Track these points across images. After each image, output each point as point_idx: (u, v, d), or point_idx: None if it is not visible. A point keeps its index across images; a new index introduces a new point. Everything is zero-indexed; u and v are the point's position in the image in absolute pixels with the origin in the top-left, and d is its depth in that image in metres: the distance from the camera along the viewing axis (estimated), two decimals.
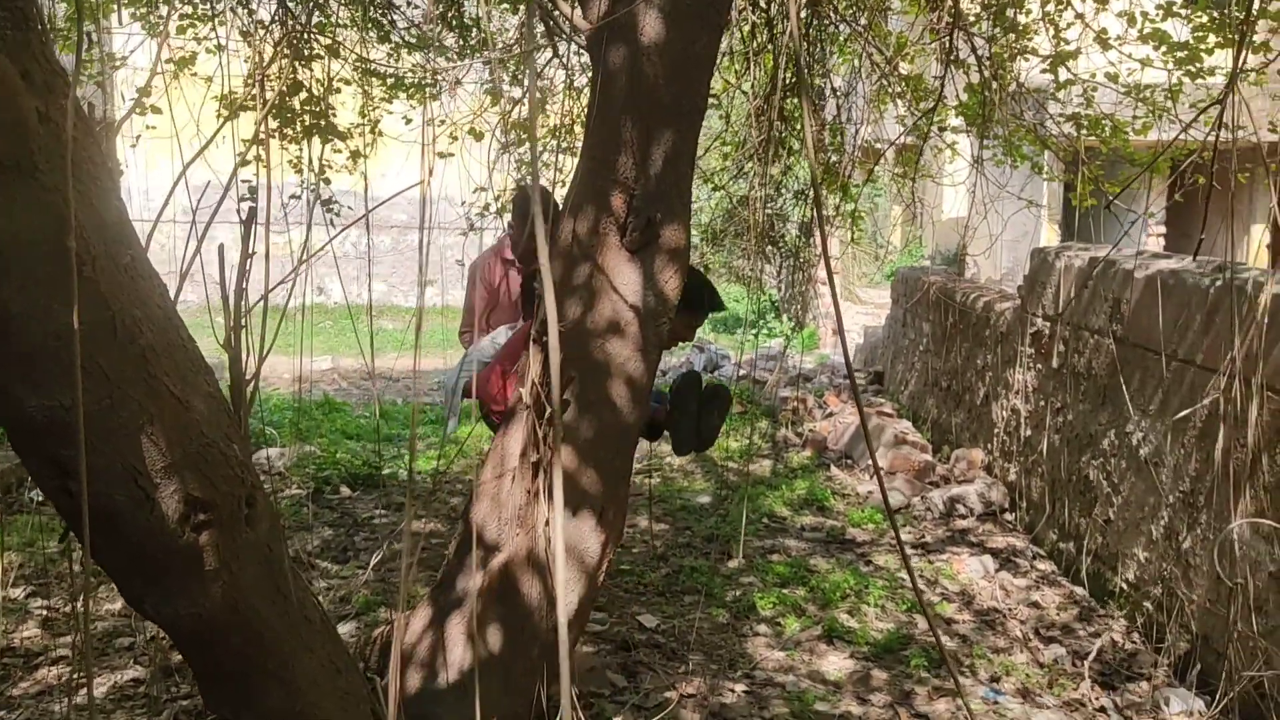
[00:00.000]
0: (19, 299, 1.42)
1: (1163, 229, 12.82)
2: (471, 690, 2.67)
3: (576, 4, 2.81)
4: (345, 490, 6.23)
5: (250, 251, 1.88)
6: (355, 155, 6.91)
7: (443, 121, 7.00)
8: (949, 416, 7.28)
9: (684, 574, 4.80)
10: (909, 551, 5.35)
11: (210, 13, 6.26)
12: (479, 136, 7.08)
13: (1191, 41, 6.04)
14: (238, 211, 1.92)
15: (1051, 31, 6.46)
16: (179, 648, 2.01)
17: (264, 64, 5.36)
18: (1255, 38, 5.84)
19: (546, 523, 2.59)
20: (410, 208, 14.77)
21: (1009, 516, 5.89)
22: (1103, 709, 3.65)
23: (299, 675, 1.93)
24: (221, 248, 1.89)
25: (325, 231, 6.45)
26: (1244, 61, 3.11)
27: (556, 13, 2.77)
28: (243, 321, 1.89)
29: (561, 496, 1.79)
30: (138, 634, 4.05)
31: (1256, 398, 3.57)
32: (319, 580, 4.59)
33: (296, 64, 6.19)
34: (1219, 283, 4.01)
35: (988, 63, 6.59)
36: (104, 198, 1.54)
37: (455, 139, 7.11)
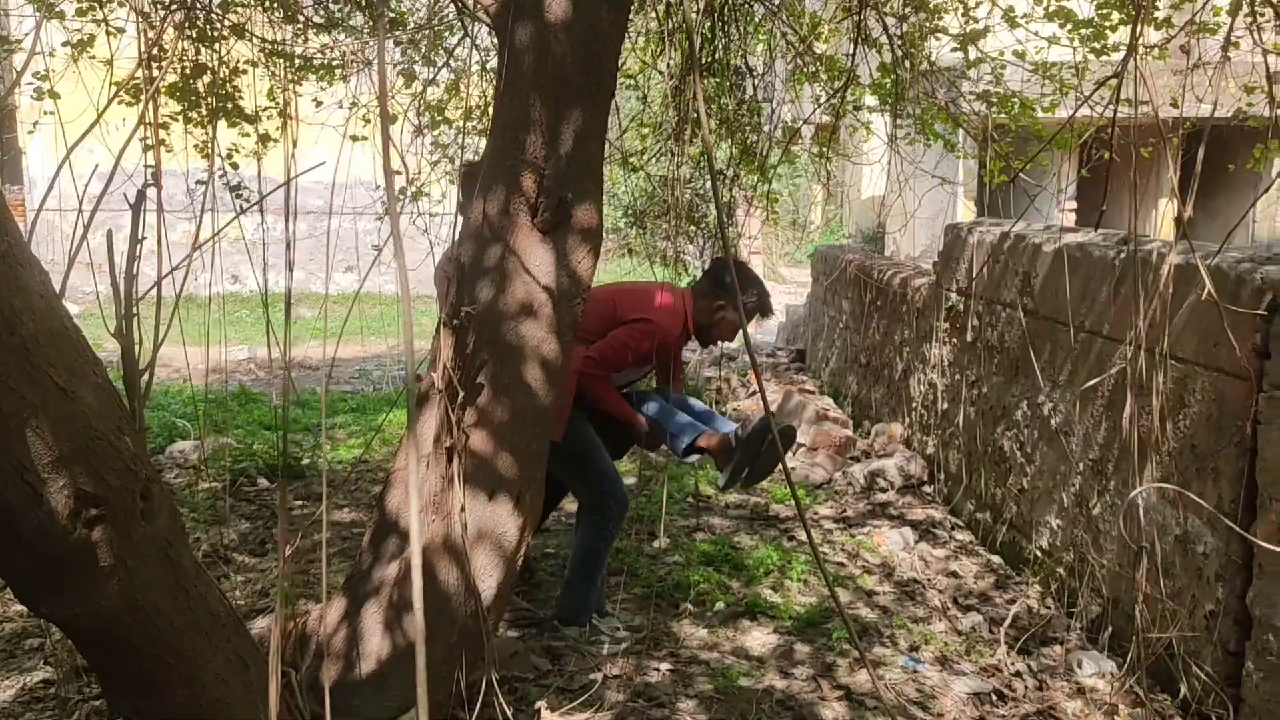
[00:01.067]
0: None
1: (1074, 204, 13.11)
2: (389, 680, 2.64)
3: None
4: (263, 482, 6.10)
5: (140, 237, 1.81)
6: (264, 139, 6.75)
7: (354, 104, 6.86)
8: (869, 392, 7.37)
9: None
10: (831, 525, 5.41)
11: None
12: (392, 118, 6.96)
13: (1096, 19, 6.17)
14: (125, 197, 1.84)
15: (961, 10, 6.55)
16: (79, 649, 1.95)
17: (161, 45, 5.18)
18: (1157, 13, 5.99)
19: (462, 508, 2.56)
20: (326, 193, 14.50)
21: (928, 489, 5.99)
22: (1018, 673, 3.74)
23: (204, 672, 1.88)
24: (110, 234, 1.82)
25: (239, 219, 6.29)
26: (1142, 35, 3.17)
27: None
28: (135, 310, 1.82)
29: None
30: (47, 635, 3.93)
31: (1160, 367, 3.66)
32: (236, 574, 4.50)
33: (200, 45, 6.02)
34: (1123, 255, 4.10)
35: (899, 42, 6.65)
36: None
37: (368, 122, 6.99)
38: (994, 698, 3.53)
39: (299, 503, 5.72)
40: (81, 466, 1.55)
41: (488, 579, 2.65)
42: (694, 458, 5.19)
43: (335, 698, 2.62)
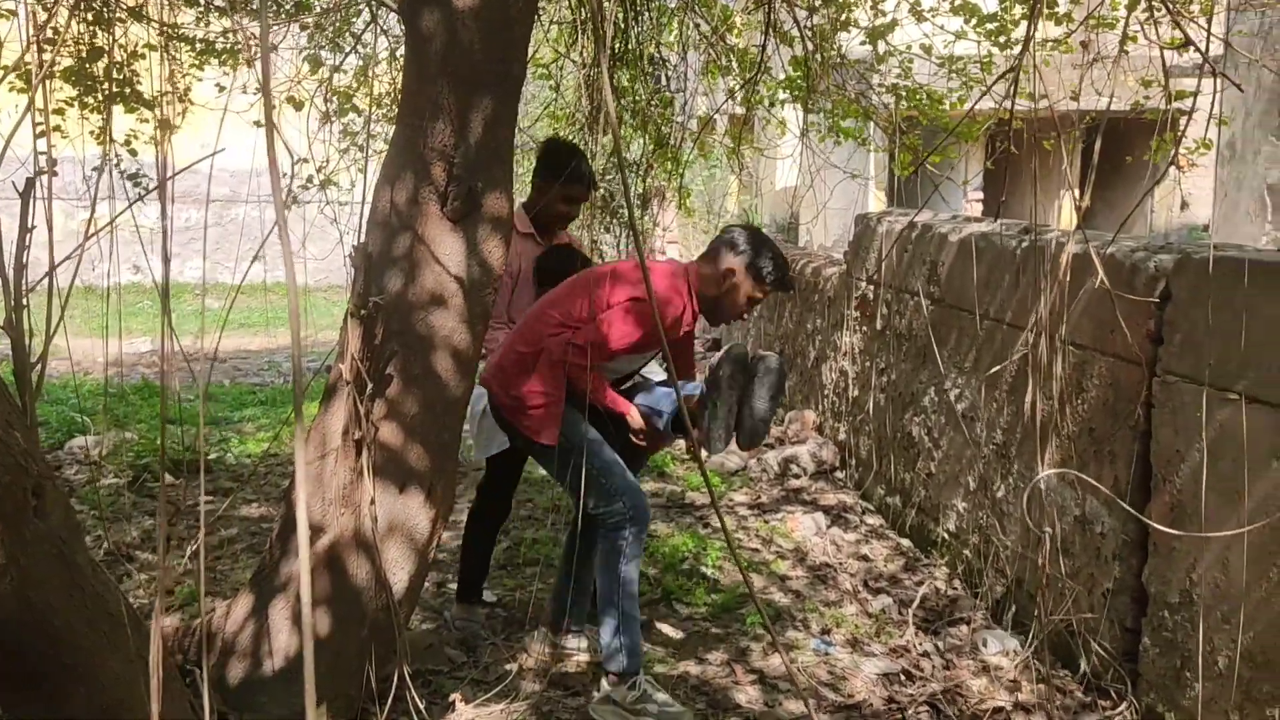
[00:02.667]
0: None
1: (980, 195, 13.42)
2: (297, 676, 2.59)
3: None
4: (168, 478, 5.95)
5: (30, 226, 1.74)
6: (164, 125, 6.56)
7: (258, 89, 6.70)
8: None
9: (525, 546, 4.78)
10: (746, 512, 5.46)
11: None
12: (298, 106, 6.83)
13: (1000, 14, 6.31)
14: (14, 185, 1.78)
15: (870, 4, 6.63)
16: None
17: (55, 28, 4.98)
18: (1057, 9, 6.15)
19: (372, 501, 2.52)
20: (232, 180, 14.18)
21: (840, 474, 6.09)
22: (925, 653, 3.82)
23: (103, 673, 1.83)
24: None
25: (134, 208, 6.07)
26: (1037, 29, 3.25)
27: None
28: (26, 301, 1.75)
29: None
30: None
31: (1060, 352, 3.77)
32: (139, 572, 4.38)
33: (96, 29, 5.83)
34: (1025, 244, 4.21)
35: (810, 35, 6.71)
36: None
37: (274, 108, 6.84)
38: (902, 677, 3.61)
39: (207, 498, 5.59)
40: None
41: (399, 572, 2.62)
42: (680, 442, 5.05)
43: (242, 695, 2.58)
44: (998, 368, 4.16)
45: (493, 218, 2.66)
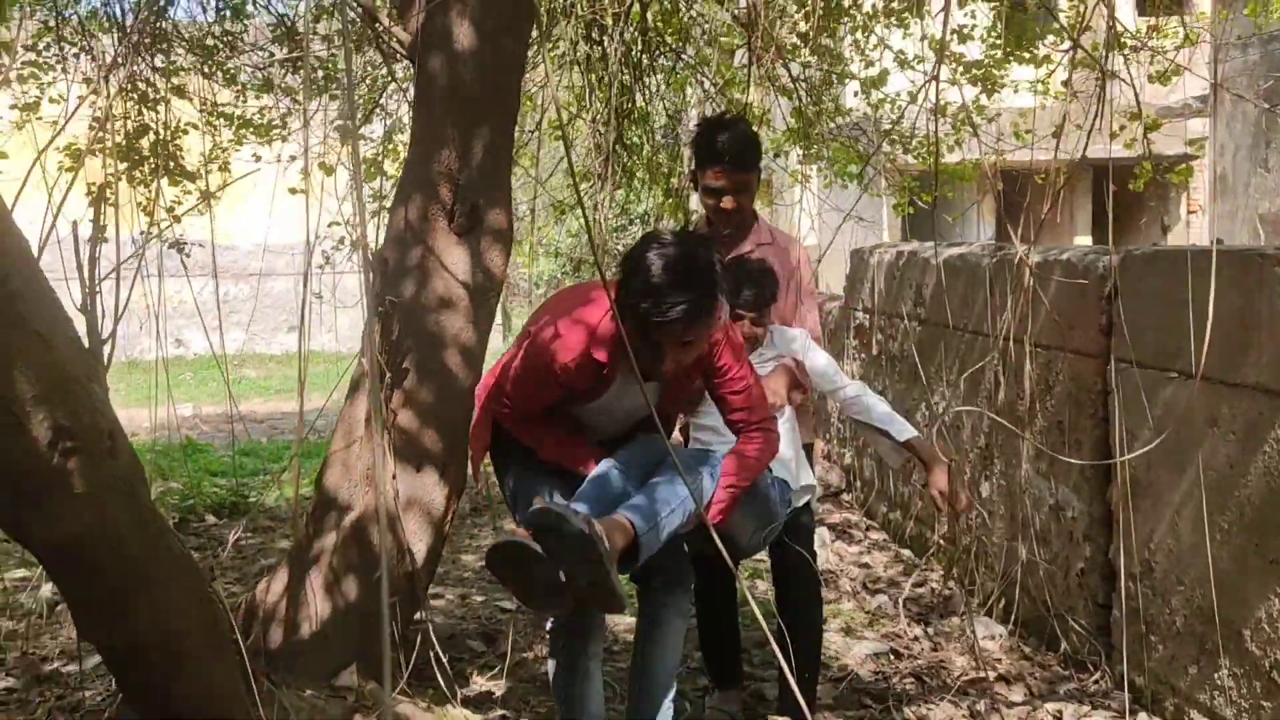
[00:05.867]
0: None
1: (993, 241, 13.75)
2: (330, 640, 2.93)
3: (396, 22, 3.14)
4: (210, 518, 6.32)
5: (103, 237, 2.11)
6: (205, 196, 7.05)
7: (292, 158, 7.21)
8: None
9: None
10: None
11: (57, 57, 6.35)
12: (329, 171, 7.31)
13: (986, 61, 6.72)
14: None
15: (860, 57, 7.06)
16: (53, 573, 2.22)
17: (107, 109, 5.38)
18: (1038, 52, 6.55)
19: (394, 477, 2.87)
20: (269, 257, 14.77)
21: (846, 497, 6.36)
22: (916, 638, 4.08)
23: (166, 599, 2.17)
24: (75, 224, 2.15)
25: (178, 281, 6.57)
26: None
27: (380, 28, 3.09)
28: (98, 289, 2.14)
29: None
30: (5, 652, 4.14)
31: (1028, 353, 4.08)
32: None
33: (142, 107, 6.33)
34: (995, 260, 4.54)
35: (805, 87, 7.13)
36: None
37: (307, 174, 7.32)
38: (891, 656, 3.87)
39: (248, 534, 5.95)
40: (58, 403, 1.85)
41: (419, 542, 2.95)
42: None
43: (280, 660, 2.90)
44: (971, 370, 4.46)
45: (494, 231, 3.03)
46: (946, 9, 3.59)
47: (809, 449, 3.45)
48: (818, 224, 7.30)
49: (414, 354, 2.95)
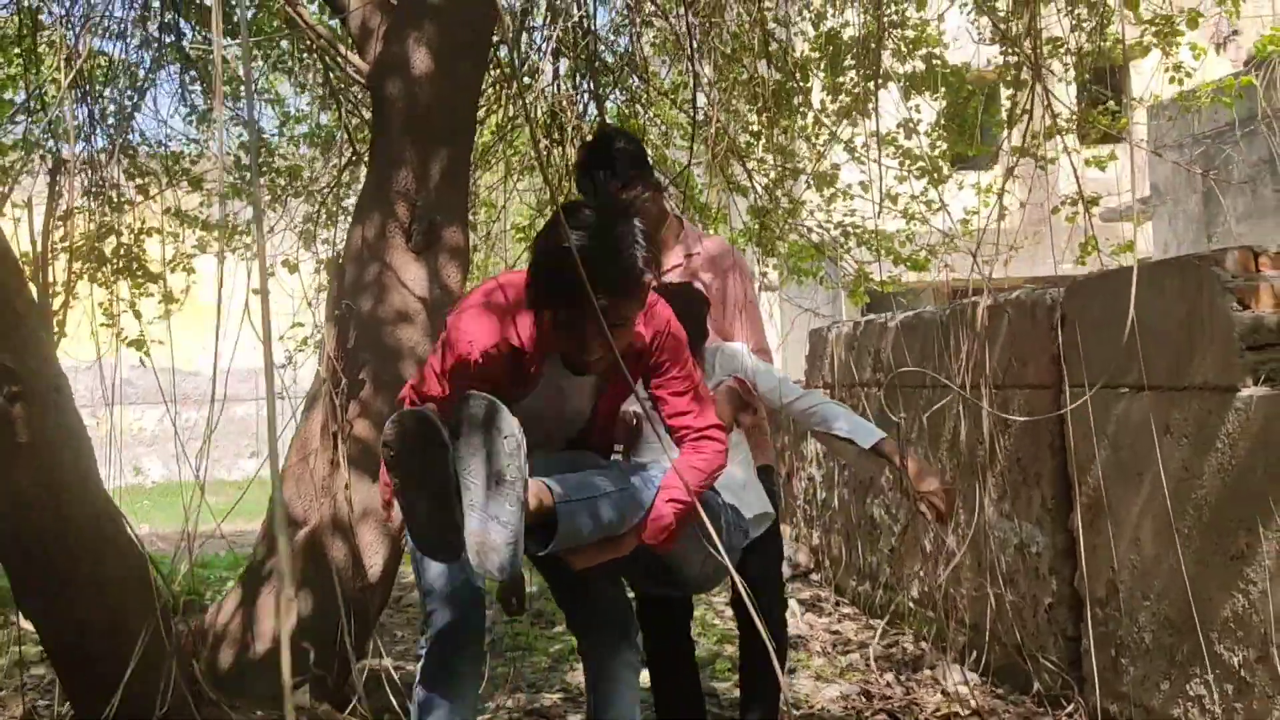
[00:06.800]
0: None
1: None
2: (280, 658, 2.83)
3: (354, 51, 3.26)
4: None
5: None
6: (168, 299, 7.10)
7: (253, 256, 7.28)
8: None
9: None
10: (722, 604, 5.66)
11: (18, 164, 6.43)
12: (293, 268, 7.38)
13: (929, 153, 6.98)
14: None
15: (812, 153, 7.32)
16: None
17: (68, 210, 5.23)
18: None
19: (347, 486, 2.84)
20: (233, 381, 14.71)
21: (815, 576, 6.29)
22: (888, 684, 3.99)
23: (108, 571, 2.12)
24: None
25: (136, 409, 6.49)
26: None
27: (339, 56, 3.19)
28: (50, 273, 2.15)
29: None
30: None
31: (986, 391, 4.13)
32: None
33: (106, 208, 6.40)
34: (948, 313, 4.63)
35: (760, 186, 7.34)
36: None
37: (273, 274, 7.39)
38: (863, 697, 3.78)
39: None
40: (4, 343, 1.85)
41: (374, 555, 2.90)
42: None
43: (232, 679, 2.81)
44: (930, 411, 4.49)
45: (451, 248, 3.08)
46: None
47: (767, 471, 3.17)
48: (778, 318, 7.43)
49: (370, 365, 2.95)
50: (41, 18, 6.17)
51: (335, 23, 4.21)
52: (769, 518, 3.00)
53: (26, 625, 5.72)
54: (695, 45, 5.20)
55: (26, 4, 5.95)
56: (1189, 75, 6.48)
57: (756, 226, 7.31)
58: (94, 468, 2.10)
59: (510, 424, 2.09)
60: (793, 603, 5.52)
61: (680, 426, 2.49)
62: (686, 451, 2.48)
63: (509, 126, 6.95)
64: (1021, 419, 3.90)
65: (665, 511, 2.38)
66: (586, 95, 6.49)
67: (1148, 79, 6.85)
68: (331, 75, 5.72)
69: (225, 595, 2.95)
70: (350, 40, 3.26)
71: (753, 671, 3.13)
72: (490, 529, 2.07)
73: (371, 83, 3.15)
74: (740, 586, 2.01)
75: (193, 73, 6.75)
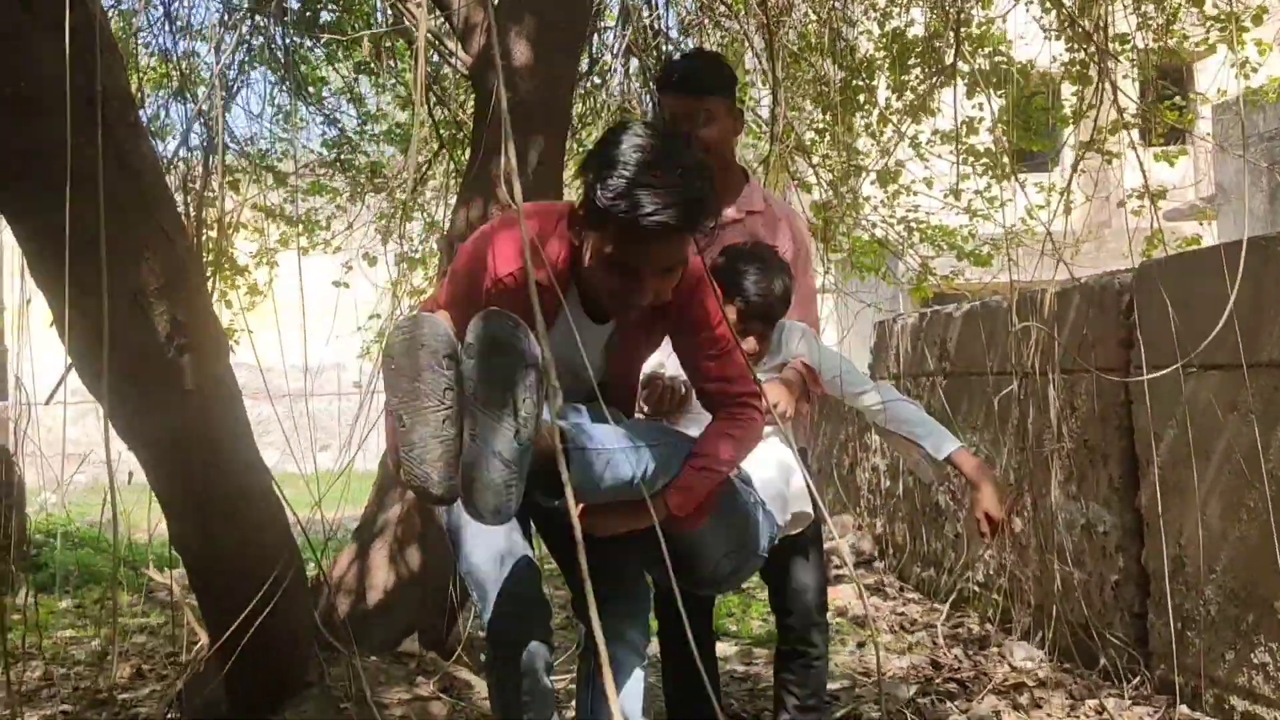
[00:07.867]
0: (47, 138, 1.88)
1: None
2: (394, 609, 3.05)
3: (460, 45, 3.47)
4: None
5: None
6: (253, 290, 7.40)
7: (338, 249, 7.57)
8: (819, 493, 7.86)
9: None
10: None
11: None
12: (372, 261, 7.65)
13: (992, 148, 7.08)
14: None
15: (878, 150, 7.45)
16: (155, 481, 2.36)
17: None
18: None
19: None
20: (308, 375, 15.06)
21: (879, 564, 6.41)
22: (955, 658, 4.12)
23: (249, 507, 2.34)
24: None
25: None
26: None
27: (446, 50, 3.41)
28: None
29: None
30: (58, 686, 4.24)
31: (1053, 376, 4.25)
32: None
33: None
34: (1015, 301, 4.75)
35: (826, 182, 7.48)
36: None
37: (350, 269, 7.66)
38: (931, 666, 3.92)
39: None
40: (176, 300, 2.07)
41: None
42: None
43: (347, 628, 3.02)
44: (999, 395, 4.61)
45: None
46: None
47: (803, 454, 2.86)
48: (836, 310, 7.56)
49: None
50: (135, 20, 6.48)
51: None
52: (807, 517, 2.74)
53: (124, 600, 6.00)
54: (768, 42, 5.35)
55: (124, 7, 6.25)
56: (1255, 70, 6.52)
57: (820, 223, 7.44)
58: (245, 420, 2.31)
59: (534, 351, 1.79)
60: (855, 586, 5.66)
61: (716, 393, 2.20)
62: (722, 420, 2.20)
63: (579, 124, 7.16)
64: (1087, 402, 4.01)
65: (692, 482, 2.11)
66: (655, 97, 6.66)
67: (1213, 76, 6.90)
68: (410, 74, 5.97)
69: (340, 553, 3.16)
70: (456, 35, 3.47)
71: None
72: (490, 464, 1.76)
73: (474, 74, 3.36)
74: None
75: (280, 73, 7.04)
